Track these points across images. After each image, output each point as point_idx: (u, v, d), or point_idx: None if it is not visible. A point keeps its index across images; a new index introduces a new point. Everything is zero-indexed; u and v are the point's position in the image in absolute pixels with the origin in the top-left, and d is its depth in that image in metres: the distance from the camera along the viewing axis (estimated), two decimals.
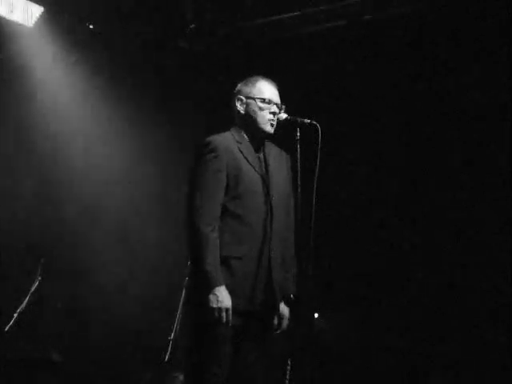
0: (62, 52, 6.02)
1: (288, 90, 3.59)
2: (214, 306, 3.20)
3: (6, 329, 5.21)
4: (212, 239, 3.24)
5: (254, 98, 3.48)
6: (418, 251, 5.57)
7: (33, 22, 5.71)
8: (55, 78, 6.15)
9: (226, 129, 3.52)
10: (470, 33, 5.31)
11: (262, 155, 3.50)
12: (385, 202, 5.72)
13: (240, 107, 3.51)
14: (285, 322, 3.49)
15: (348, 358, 5.66)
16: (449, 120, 5.48)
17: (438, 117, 5.54)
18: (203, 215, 3.26)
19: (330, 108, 5.63)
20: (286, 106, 3.53)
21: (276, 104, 3.49)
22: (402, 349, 5.44)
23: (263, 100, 3.47)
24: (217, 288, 3.21)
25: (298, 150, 3.40)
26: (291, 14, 5.76)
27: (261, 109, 3.47)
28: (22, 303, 5.30)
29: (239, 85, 3.56)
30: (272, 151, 3.55)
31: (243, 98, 3.51)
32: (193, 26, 6.03)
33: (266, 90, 3.49)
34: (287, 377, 3.28)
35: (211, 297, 3.20)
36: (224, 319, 3.21)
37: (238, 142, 3.44)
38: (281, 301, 3.46)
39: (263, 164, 3.48)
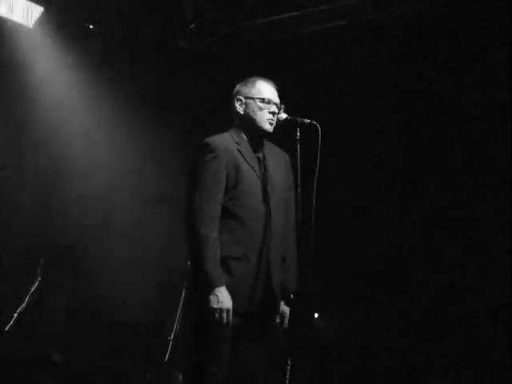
0: (61, 52, 6.02)
1: (288, 89, 3.59)
2: (215, 306, 3.20)
3: (6, 329, 5.21)
4: (212, 240, 3.24)
5: (253, 98, 3.48)
6: (417, 251, 5.57)
7: (33, 22, 5.71)
8: (55, 78, 6.15)
9: (225, 129, 3.52)
10: (470, 33, 5.31)
11: (260, 155, 3.50)
12: (385, 202, 5.71)
13: (239, 108, 3.51)
14: (285, 322, 3.49)
15: (348, 357, 5.66)
16: (449, 120, 5.48)
17: (438, 117, 5.53)
18: (203, 216, 3.26)
19: (329, 108, 5.63)
20: (286, 106, 3.52)
21: (275, 104, 3.49)
22: (402, 349, 5.43)
23: (262, 100, 3.47)
24: (217, 288, 3.20)
25: (298, 150, 3.39)
26: (291, 14, 5.76)
27: (260, 109, 3.46)
28: (21, 303, 5.31)
29: (238, 85, 3.56)
30: (271, 151, 3.55)
31: (242, 99, 3.50)
32: (193, 26, 6.04)
33: (265, 90, 3.49)
34: (287, 377, 3.28)
35: (211, 297, 3.20)
36: (224, 320, 3.20)
37: (237, 142, 3.44)
38: (281, 300, 3.46)
39: (262, 164, 3.48)
